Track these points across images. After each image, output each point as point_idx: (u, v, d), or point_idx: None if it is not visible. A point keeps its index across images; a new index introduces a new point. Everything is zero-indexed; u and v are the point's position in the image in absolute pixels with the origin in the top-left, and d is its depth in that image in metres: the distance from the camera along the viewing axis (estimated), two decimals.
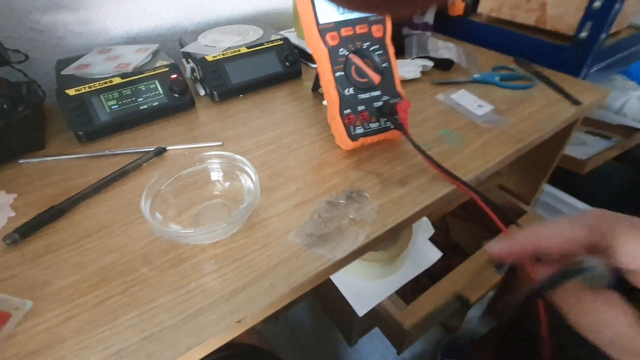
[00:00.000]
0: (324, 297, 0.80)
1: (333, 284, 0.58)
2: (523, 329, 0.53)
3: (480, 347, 0.70)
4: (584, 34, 0.64)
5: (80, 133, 0.51)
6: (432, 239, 0.64)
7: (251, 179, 0.39)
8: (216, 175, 0.42)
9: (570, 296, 0.18)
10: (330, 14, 0.44)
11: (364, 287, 0.57)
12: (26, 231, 0.37)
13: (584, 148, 0.94)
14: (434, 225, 0.66)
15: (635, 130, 0.97)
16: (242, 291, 0.32)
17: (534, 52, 0.69)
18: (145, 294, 0.32)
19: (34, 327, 0.30)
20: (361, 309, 0.54)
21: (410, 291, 0.63)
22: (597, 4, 0.61)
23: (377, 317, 0.61)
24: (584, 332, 0.18)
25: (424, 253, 0.61)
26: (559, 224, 0.19)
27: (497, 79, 0.62)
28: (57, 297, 0.32)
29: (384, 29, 0.47)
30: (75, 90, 0.51)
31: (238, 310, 0.30)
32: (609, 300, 0.17)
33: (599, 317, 0.17)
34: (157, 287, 0.32)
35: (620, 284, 0.18)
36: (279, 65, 0.65)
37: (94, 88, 0.52)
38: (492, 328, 0.69)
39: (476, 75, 0.63)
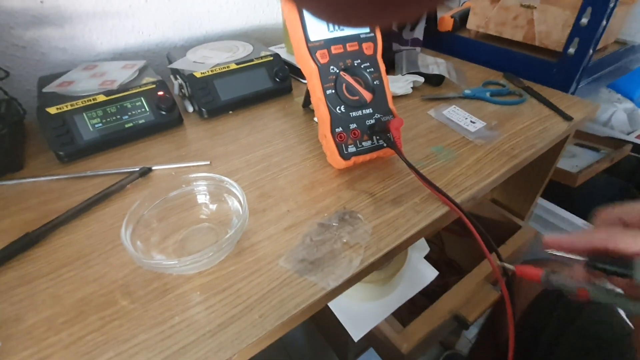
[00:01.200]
0: (318, 318, 0.78)
1: (327, 306, 0.56)
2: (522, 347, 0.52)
3: None
4: (572, 50, 0.64)
5: (62, 153, 0.49)
6: (427, 256, 0.63)
7: (239, 202, 0.37)
8: (203, 197, 0.40)
9: None
10: (320, 31, 0.43)
11: (359, 310, 0.55)
12: None
13: (574, 160, 0.95)
14: (428, 241, 0.65)
15: (623, 142, 0.98)
16: (230, 325, 0.30)
17: (523, 67, 0.70)
18: (125, 331, 0.29)
19: None
20: (357, 334, 0.52)
21: (406, 311, 0.62)
22: (584, 21, 0.62)
23: (373, 339, 0.59)
24: None
25: (420, 272, 0.60)
26: (611, 231, 0.22)
27: (487, 94, 0.62)
28: (28, 335, 0.29)
29: (375, 46, 0.46)
30: (57, 109, 0.49)
31: (224, 348, 0.28)
32: None
33: None
34: (138, 322, 0.30)
35: None
36: (269, 81, 0.64)
37: (76, 106, 0.50)
38: (485, 342, 0.67)
39: (466, 91, 0.63)
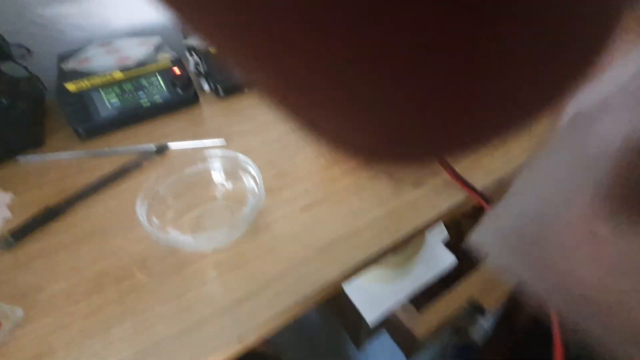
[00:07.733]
0: (331, 299, 0.78)
1: (342, 288, 0.56)
2: (539, 339, 0.51)
3: (493, 350, 0.68)
4: None
5: (80, 130, 0.50)
6: (445, 243, 0.61)
7: (255, 180, 0.36)
8: (218, 175, 0.40)
9: None
10: None
11: (374, 292, 0.54)
12: (20, 234, 0.35)
13: None
14: (446, 226, 0.63)
15: None
16: (245, 301, 0.29)
17: None
18: (142, 302, 0.30)
19: (23, 336, 0.28)
20: (371, 316, 0.52)
21: (421, 296, 0.61)
22: None
23: (387, 323, 0.58)
24: None
25: (437, 257, 0.58)
26: None
27: None
28: (49, 303, 0.30)
29: None
30: (75, 85, 0.49)
31: (239, 324, 0.28)
32: None
33: None
34: (155, 295, 0.30)
35: None
36: None
37: (94, 83, 0.50)
38: (502, 332, 0.66)
39: None
